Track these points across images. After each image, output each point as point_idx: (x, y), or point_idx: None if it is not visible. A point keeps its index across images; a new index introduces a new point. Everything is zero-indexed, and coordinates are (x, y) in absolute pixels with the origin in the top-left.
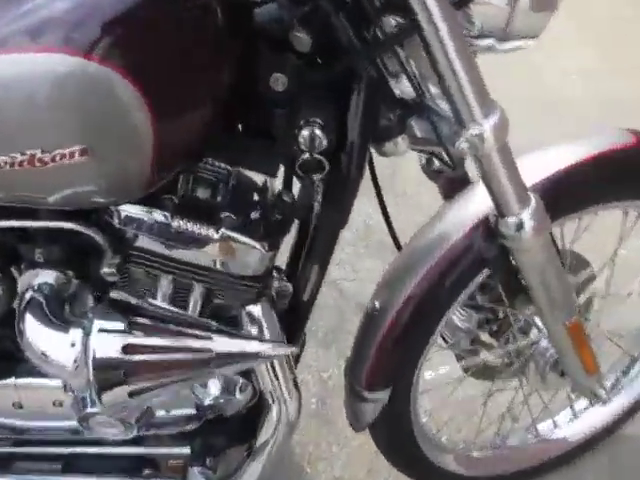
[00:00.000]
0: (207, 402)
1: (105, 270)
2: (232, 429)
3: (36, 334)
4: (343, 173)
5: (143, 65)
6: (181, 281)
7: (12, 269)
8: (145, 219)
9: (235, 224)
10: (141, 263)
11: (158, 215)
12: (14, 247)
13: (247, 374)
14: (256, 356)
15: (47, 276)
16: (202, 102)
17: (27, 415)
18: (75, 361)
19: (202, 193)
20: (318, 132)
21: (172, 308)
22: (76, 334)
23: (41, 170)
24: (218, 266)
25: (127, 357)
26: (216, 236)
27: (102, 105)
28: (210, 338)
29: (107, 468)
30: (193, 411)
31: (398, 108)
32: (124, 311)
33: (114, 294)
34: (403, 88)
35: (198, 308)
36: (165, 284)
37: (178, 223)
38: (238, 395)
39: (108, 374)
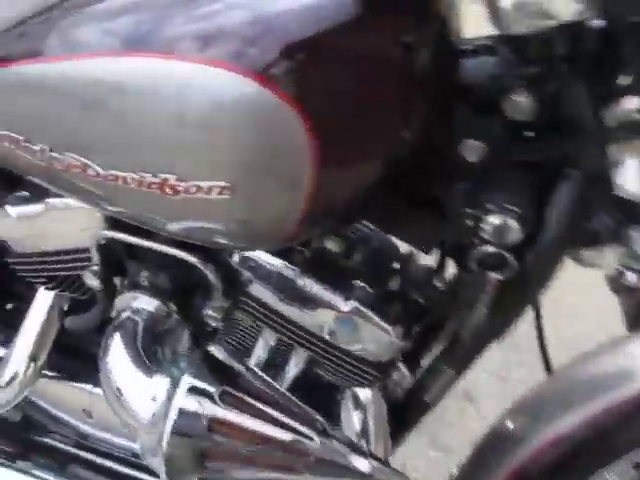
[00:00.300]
0: None
1: (209, 312)
2: None
3: (119, 362)
4: (525, 276)
5: (319, 100)
6: (287, 342)
7: (116, 281)
8: (268, 267)
9: (368, 298)
10: (249, 312)
11: (285, 268)
12: (122, 261)
13: None
14: (361, 477)
15: (147, 302)
16: (375, 154)
17: (93, 424)
18: (152, 415)
19: (337, 250)
20: (512, 223)
21: (276, 385)
22: (161, 384)
23: (170, 198)
24: (336, 339)
25: (211, 435)
26: (344, 307)
27: (262, 138)
28: (311, 438)
29: None
30: None
31: (616, 210)
32: (220, 373)
33: (214, 349)
34: (627, 185)
35: (297, 372)
36: (268, 337)
37: (305, 282)
38: None
39: (183, 448)
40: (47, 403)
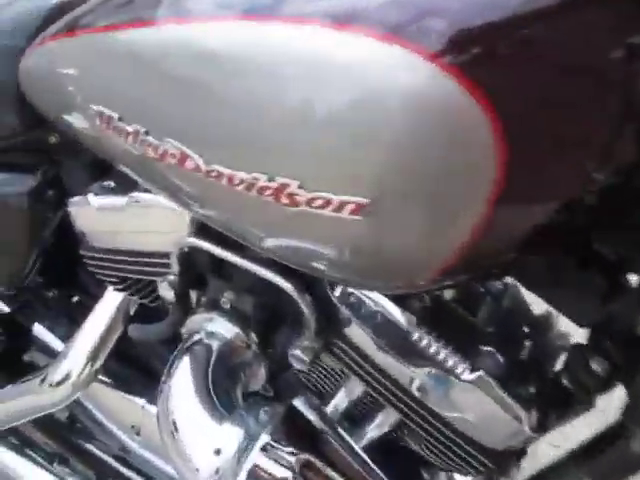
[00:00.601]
0: None
1: (296, 352)
2: None
3: (183, 392)
4: None
5: (517, 105)
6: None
7: (192, 295)
8: (375, 309)
9: (497, 368)
10: (339, 357)
11: (398, 313)
12: (204, 275)
13: None
14: None
15: (225, 327)
16: (564, 190)
17: (140, 442)
18: (215, 472)
19: (461, 302)
20: None
21: (367, 459)
22: (232, 436)
23: (283, 209)
24: (441, 409)
25: None
26: (466, 375)
27: (432, 145)
28: None
29: None
30: None
31: None
32: (303, 434)
33: (299, 403)
34: None
35: (379, 434)
36: (353, 388)
37: (421, 336)
38: None
39: None
40: (96, 409)
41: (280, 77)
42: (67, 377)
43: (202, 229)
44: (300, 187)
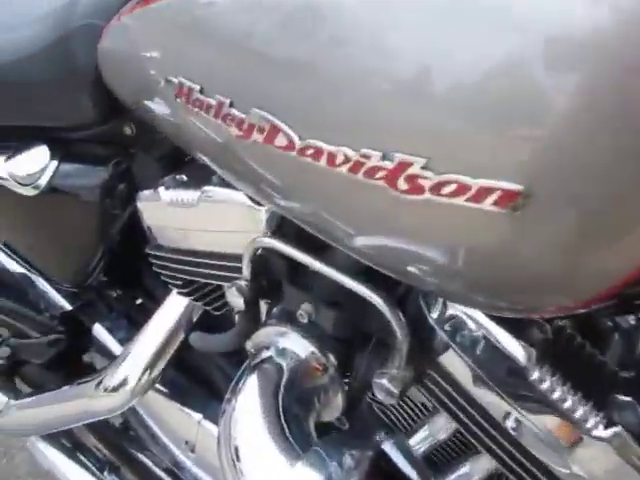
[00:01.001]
0: None
1: (383, 382)
2: None
3: (250, 417)
4: None
5: None
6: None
7: (263, 305)
8: (486, 339)
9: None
10: (431, 391)
11: (515, 346)
12: (279, 283)
13: None
14: None
15: (299, 344)
16: None
17: (193, 459)
18: None
19: (586, 336)
20: None
21: None
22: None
23: (398, 197)
24: (556, 465)
25: None
26: (601, 432)
27: (628, 111)
28: None
29: None
30: None
31: None
32: None
33: (389, 446)
34: None
35: None
36: (441, 427)
37: (542, 376)
38: None
39: None
40: (150, 418)
41: (406, 17)
42: (123, 383)
43: (280, 229)
44: (425, 167)
